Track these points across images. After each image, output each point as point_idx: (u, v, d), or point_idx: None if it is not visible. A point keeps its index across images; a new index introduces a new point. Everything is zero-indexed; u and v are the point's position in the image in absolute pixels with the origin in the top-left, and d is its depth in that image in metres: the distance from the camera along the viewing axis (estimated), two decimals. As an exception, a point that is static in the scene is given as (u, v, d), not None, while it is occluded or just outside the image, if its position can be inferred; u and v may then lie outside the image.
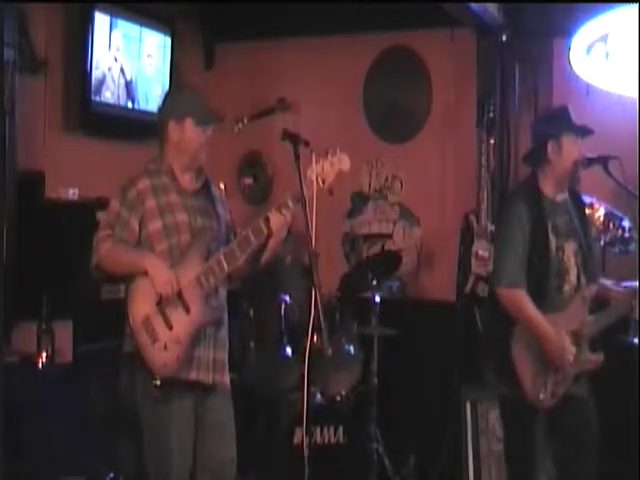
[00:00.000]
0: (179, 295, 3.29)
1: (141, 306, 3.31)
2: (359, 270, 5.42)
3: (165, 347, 3.27)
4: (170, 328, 3.28)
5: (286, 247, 4.95)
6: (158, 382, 3.28)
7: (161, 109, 3.54)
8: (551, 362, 3.54)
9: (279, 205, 3.30)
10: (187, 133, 3.42)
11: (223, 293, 3.50)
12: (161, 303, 3.29)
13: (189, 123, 3.42)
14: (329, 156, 3.23)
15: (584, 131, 3.67)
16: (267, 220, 3.29)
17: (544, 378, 3.56)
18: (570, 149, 3.63)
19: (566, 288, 3.62)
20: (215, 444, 3.43)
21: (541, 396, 3.55)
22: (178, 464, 3.33)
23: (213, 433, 3.42)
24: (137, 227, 3.37)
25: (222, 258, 3.32)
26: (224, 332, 3.49)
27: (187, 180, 3.49)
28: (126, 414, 3.76)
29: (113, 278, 3.52)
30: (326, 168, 3.22)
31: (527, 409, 3.57)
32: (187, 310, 3.30)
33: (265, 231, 3.30)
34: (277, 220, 3.29)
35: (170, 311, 3.29)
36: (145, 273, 3.29)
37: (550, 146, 3.64)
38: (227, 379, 3.49)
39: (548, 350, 3.53)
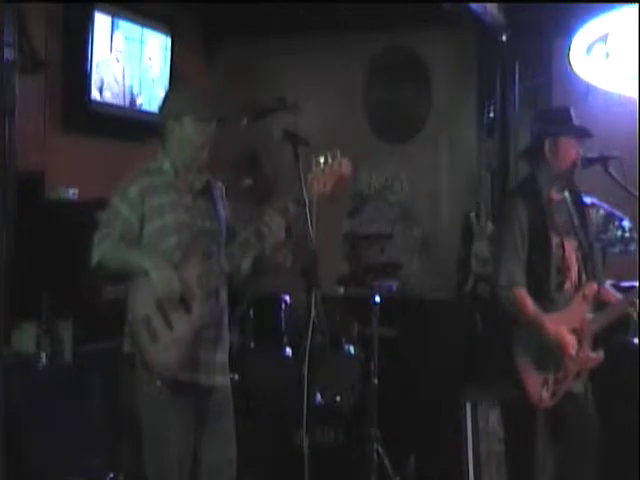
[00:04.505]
0: (180, 296, 3.29)
1: (141, 306, 3.29)
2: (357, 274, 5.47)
3: (165, 347, 3.26)
4: (171, 328, 3.28)
5: (282, 251, 4.96)
6: (158, 383, 3.27)
7: (161, 107, 3.53)
8: (554, 357, 3.54)
9: (279, 208, 3.30)
10: (186, 130, 3.41)
11: (223, 294, 3.49)
12: (162, 303, 3.29)
13: (188, 120, 3.41)
14: (330, 160, 3.23)
15: (583, 133, 3.67)
16: (267, 223, 3.29)
17: (546, 377, 3.56)
18: (567, 150, 3.63)
19: (567, 285, 3.62)
20: (215, 445, 3.42)
21: (543, 396, 3.56)
22: (178, 466, 3.32)
23: (213, 434, 3.41)
24: (138, 226, 3.35)
25: (223, 259, 3.32)
26: (224, 333, 3.48)
27: (188, 180, 3.48)
28: (126, 414, 3.76)
29: (113, 277, 3.51)
30: (327, 172, 3.22)
31: (529, 409, 3.57)
32: (188, 311, 3.29)
33: (265, 233, 3.29)
34: (276, 223, 3.29)
35: (171, 311, 3.28)
36: (146, 273, 3.28)
37: (547, 145, 3.64)
38: (227, 380, 3.49)
39: (551, 345, 3.53)
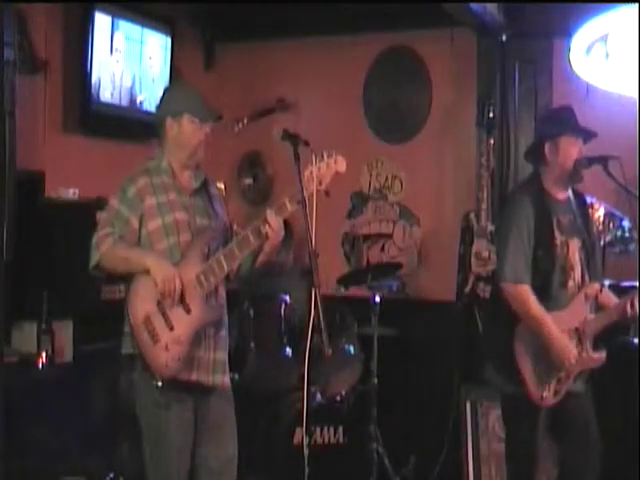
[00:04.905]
0: (180, 295, 3.28)
1: (141, 306, 3.30)
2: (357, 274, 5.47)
3: (166, 347, 3.26)
4: (171, 328, 3.27)
5: (282, 251, 4.97)
6: (159, 383, 3.27)
7: (159, 106, 3.54)
8: (554, 360, 3.54)
9: (277, 207, 3.30)
10: (184, 130, 3.41)
11: (223, 293, 3.50)
12: (162, 303, 3.28)
13: (186, 119, 3.42)
14: (326, 157, 3.24)
15: (585, 133, 3.67)
16: (266, 221, 3.29)
17: (547, 376, 3.56)
18: (568, 150, 3.63)
19: (570, 284, 3.63)
20: (215, 444, 3.43)
21: (544, 395, 3.56)
22: (178, 465, 3.33)
23: (213, 433, 3.42)
24: (137, 225, 3.36)
25: (222, 258, 3.32)
26: (224, 333, 3.49)
27: (186, 179, 3.48)
28: (126, 415, 3.76)
29: (113, 277, 3.51)
30: (323, 169, 3.23)
31: (529, 408, 3.57)
32: (187, 310, 3.29)
33: (264, 232, 3.29)
34: (275, 222, 3.29)
35: (171, 311, 3.29)
36: (147, 272, 3.28)
37: (547, 146, 3.65)
38: (227, 379, 3.49)
39: (551, 347, 3.53)
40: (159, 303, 3.28)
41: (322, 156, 3.24)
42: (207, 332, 3.37)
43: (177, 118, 3.42)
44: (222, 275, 3.36)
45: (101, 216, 3.47)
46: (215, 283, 3.35)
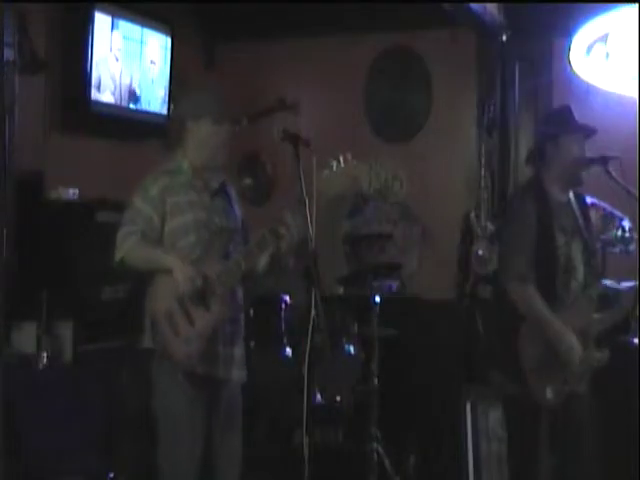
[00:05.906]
0: (200, 293, 3.33)
1: (163, 302, 3.37)
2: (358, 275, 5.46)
3: (187, 342, 3.33)
4: (191, 324, 3.34)
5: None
6: (180, 377, 3.34)
7: (178, 109, 3.59)
8: (560, 358, 3.54)
9: (292, 207, 3.33)
10: (205, 131, 3.46)
11: (239, 291, 3.57)
12: (183, 300, 3.35)
13: (207, 122, 3.45)
14: (342, 162, 3.29)
15: (585, 131, 3.67)
16: (283, 222, 3.33)
17: (551, 377, 3.56)
18: (569, 148, 3.63)
19: (573, 285, 3.63)
20: (227, 435, 3.51)
21: (548, 395, 3.55)
22: (193, 457, 3.39)
23: (225, 424, 3.50)
24: (159, 224, 3.42)
25: (240, 258, 3.39)
26: (240, 329, 3.58)
27: (206, 179, 3.53)
28: (126, 415, 3.77)
29: (136, 273, 3.54)
30: (339, 173, 3.28)
31: (532, 408, 3.57)
32: (208, 307, 3.35)
33: (281, 233, 3.35)
34: (291, 222, 3.33)
35: (191, 308, 3.35)
36: (169, 272, 3.33)
37: (548, 147, 3.65)
38: (244, 374, 3.58)
39: (558, 345, 3.53)
40: (180, 300, 3.34)
41: (338, 160, 3.28)
42: (225, 328, 3.45)
43: (198, 121, 3.45)
44: (240, 274, 3.42)
45: (124, 215, 3.51)
46: (234, 282, 3.42)
